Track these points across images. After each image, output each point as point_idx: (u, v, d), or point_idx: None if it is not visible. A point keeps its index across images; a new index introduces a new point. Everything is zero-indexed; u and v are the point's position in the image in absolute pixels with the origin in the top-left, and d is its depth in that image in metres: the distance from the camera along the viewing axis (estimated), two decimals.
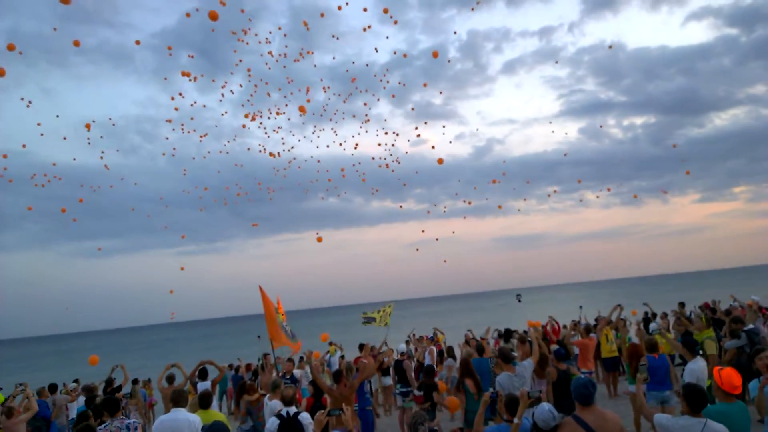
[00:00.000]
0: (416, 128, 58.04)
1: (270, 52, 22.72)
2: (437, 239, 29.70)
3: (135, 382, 15.13)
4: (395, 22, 23.15)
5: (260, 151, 26.64)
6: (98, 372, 16.16)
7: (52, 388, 11.91)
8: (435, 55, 23.09)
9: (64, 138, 23.06)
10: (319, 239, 21.67)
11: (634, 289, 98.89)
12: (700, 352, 7.76)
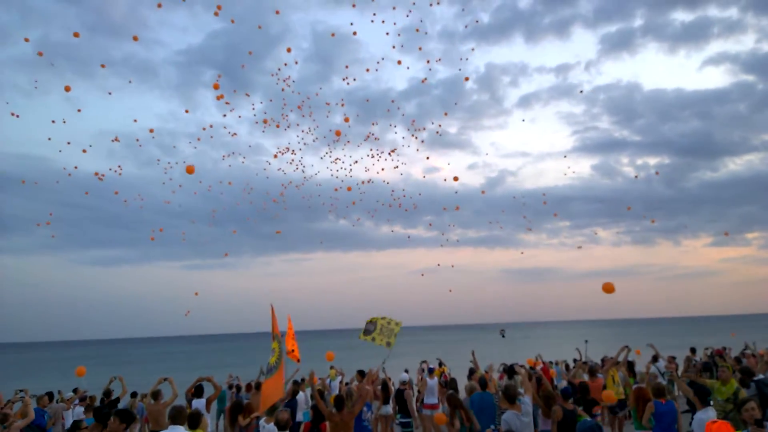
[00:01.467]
0: (428, 158, 58.18)
1: (288, 78, 23.08)
2: (438, 264, 29.52)
3: (134, 395, 14.99)
4: (420, 48, 23.56)
5: (277, 169, 26.88)
6: (97, 383, 16.06)
7: (48, 396, 11.81)
8: (466, 79, 24.03)
9: (84, 150, 23.43)
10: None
11: (642, 330, 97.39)
12: (711, 402, 7.53)
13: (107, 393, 12.15)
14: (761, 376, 9.61)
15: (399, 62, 29.25)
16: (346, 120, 23.23)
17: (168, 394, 10.00)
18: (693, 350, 16.91)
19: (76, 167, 24.75)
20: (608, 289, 11.82)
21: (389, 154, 26.79)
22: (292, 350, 12.12)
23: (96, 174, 23.00)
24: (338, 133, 21.17)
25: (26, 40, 21.93)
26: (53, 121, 22.56)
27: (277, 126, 24.55)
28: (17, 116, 23.65)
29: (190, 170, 15.61)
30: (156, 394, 9.86)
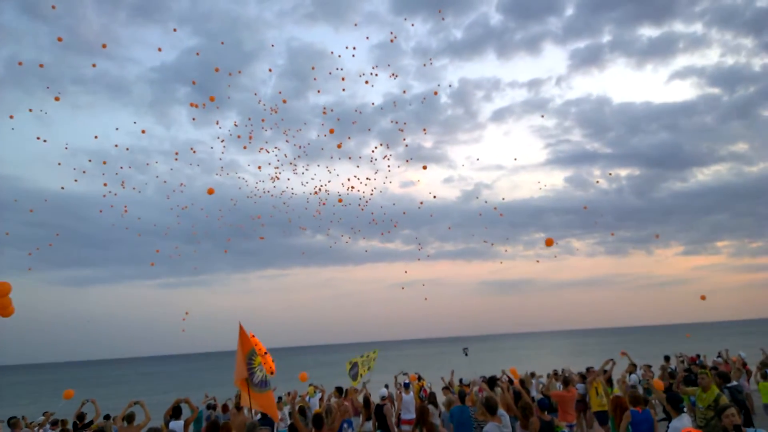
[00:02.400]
0: (405, 169, 58.57)
1: (259, 99, 23.06)
2: (423, 285, 29.69)
3: (107, 417, 14.60)
4: (393, 76, 23.91)
5: (253, 184, 26.75)
6: (68, 406, 15.62)
7: (14, 423, 11.39)
8: (435, 93, 24.27)
9: (59, 163, 23.05)
10: None
11: (618, 340, 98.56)
12: (685, 408, 7.64)
13: (80, 417, 11.80)
14: (735, 383, 9.80)
15: (367, 82, 29.39)
16: (332, 131, 23.28)
17: (141, 417, 9.76)
18: (667, 358, 17.15)
19: (63, 187, 24.32)
20: (549, 242, 14.88)
21: (366, 171, 26.82)
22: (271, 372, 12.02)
23: (62, 188, 22.57)
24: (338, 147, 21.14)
25: None
26: (44, 141, 22.26)
27: (250, 137, 24.45)
28: None
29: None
30: (129, 417, 9.60)
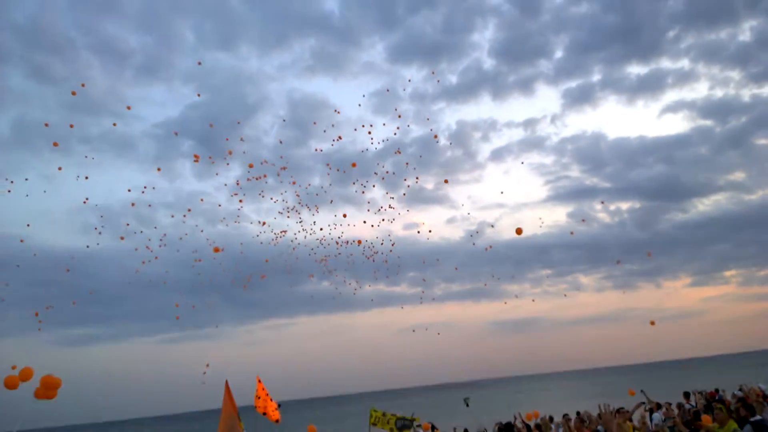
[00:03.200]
0: (408, 210, 58.62)
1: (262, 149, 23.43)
2: (426, 329, 29.45)
3: None
4: (398, 115, 24.29)
5: (257, 233, 26.96)
6: None
7: None
8: (435, 137, 24.72)
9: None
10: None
11: (632, 378, 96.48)
12: None
13: None
14: (759, 417, 9.51)
15: (366, 131, 29.88)
16: (337, 171, 23.42)
17: None
18: (687, 395, 16.73)
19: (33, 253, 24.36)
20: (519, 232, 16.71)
21: (369, 215, 26.96)
22: (264, 414, 11.77)
23: (66, 244, 22.53)
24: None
25: None
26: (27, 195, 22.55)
27: (261, 195, 24.71)
28: None
29: (216, 250, 15.96)
30: None
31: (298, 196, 24.49)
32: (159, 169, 34.32)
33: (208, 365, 23.54)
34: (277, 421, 12.06)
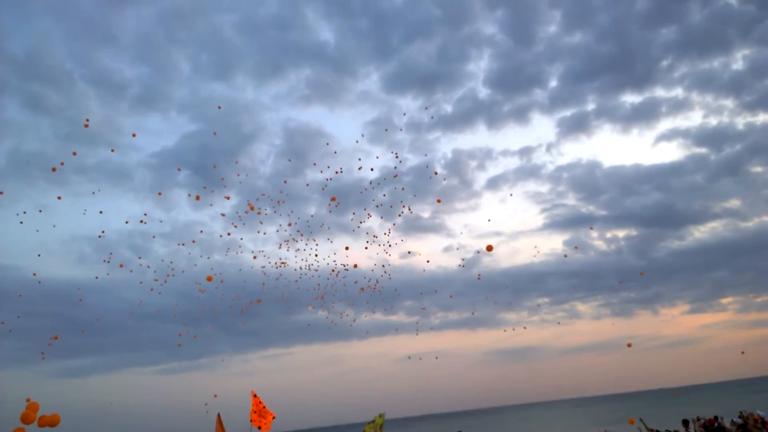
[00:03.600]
0: (402, 240, 59.08)
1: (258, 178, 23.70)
2: (420, 358, 29.34)
3: None
4: (393, 154, 24.58)
5: (253, 264, 26.99)
6: None
7: None
8: (435, 173, 24.64)
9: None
10: None
11: (631, 406, 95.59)
12: None
13: None
14: None
15: (361, 164, 30.25)
16: (333, 199, 23.63)
17: None
18: (686, 422, 16.73)
19: (35, 273, 24.36)
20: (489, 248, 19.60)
21: (366, 245, 27.14)
22: (259, 427, 11.80)
23: (34, 274, 22.52)
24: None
25: None
26: (21, 222, 22.74)
27: (258, 214, 24.86)
28: None
29: (209, 279, 16.13)
30: None
31: (291, 225, 24.71)
32: (160, 193, 34.45)
33: (216, 395, 23.48)
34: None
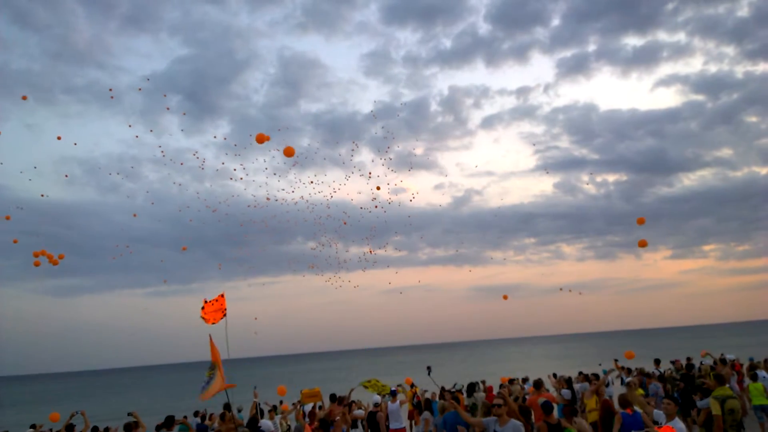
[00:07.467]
0: (396, 175, 58.65)
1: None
2: (401, 293, 29.88)
3: (95, 430, 14.44)
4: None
5: (244, 192, 26.77)
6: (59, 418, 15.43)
7: None
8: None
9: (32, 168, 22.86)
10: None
11: (608, 344, 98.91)
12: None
13: (69, 428, 11.66)
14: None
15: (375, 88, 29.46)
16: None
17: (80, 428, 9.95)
18: (657, 362, 17.24)
19: (43, 194, 24.15)
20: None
21: (358, 178, 26.91)
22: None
23: (42, 195, 22.39)
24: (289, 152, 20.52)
25: None
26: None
27: (252, 161, 24.40)
28: None
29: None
30: (70, 429, 9.79)
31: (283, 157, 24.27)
32: (152, 130, 33.66)
33: (256, 318, 24.37)
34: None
